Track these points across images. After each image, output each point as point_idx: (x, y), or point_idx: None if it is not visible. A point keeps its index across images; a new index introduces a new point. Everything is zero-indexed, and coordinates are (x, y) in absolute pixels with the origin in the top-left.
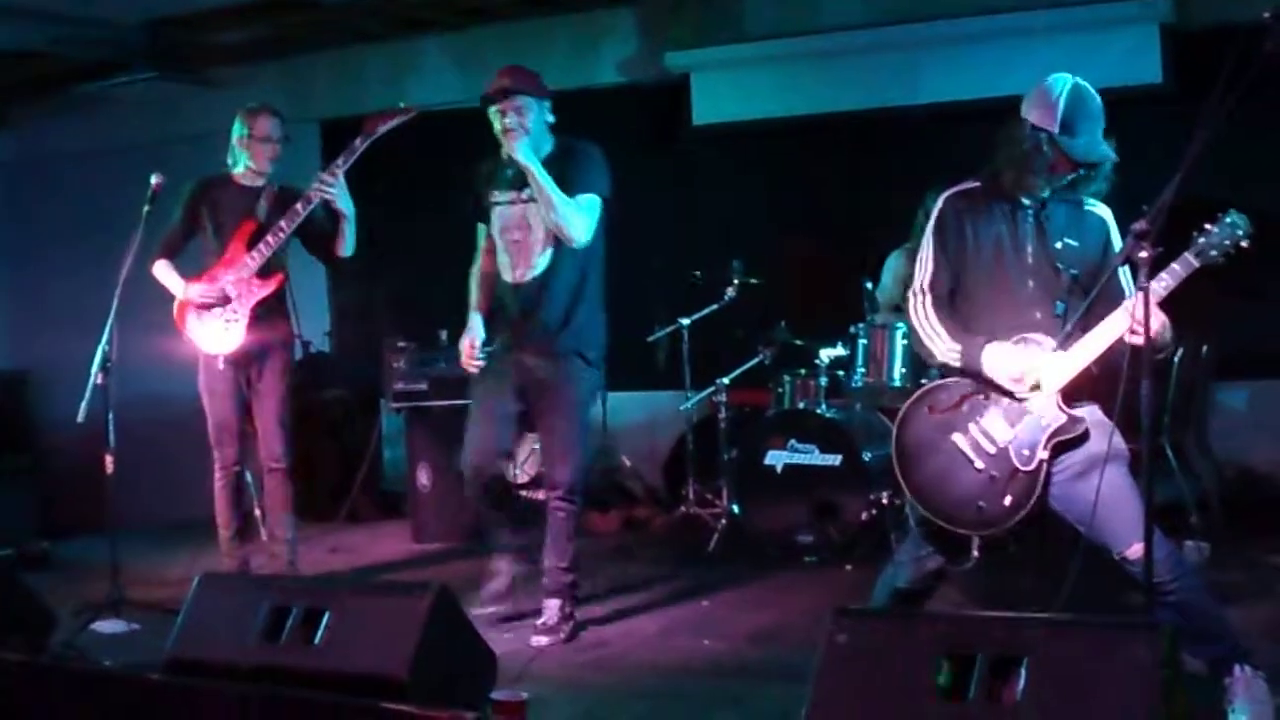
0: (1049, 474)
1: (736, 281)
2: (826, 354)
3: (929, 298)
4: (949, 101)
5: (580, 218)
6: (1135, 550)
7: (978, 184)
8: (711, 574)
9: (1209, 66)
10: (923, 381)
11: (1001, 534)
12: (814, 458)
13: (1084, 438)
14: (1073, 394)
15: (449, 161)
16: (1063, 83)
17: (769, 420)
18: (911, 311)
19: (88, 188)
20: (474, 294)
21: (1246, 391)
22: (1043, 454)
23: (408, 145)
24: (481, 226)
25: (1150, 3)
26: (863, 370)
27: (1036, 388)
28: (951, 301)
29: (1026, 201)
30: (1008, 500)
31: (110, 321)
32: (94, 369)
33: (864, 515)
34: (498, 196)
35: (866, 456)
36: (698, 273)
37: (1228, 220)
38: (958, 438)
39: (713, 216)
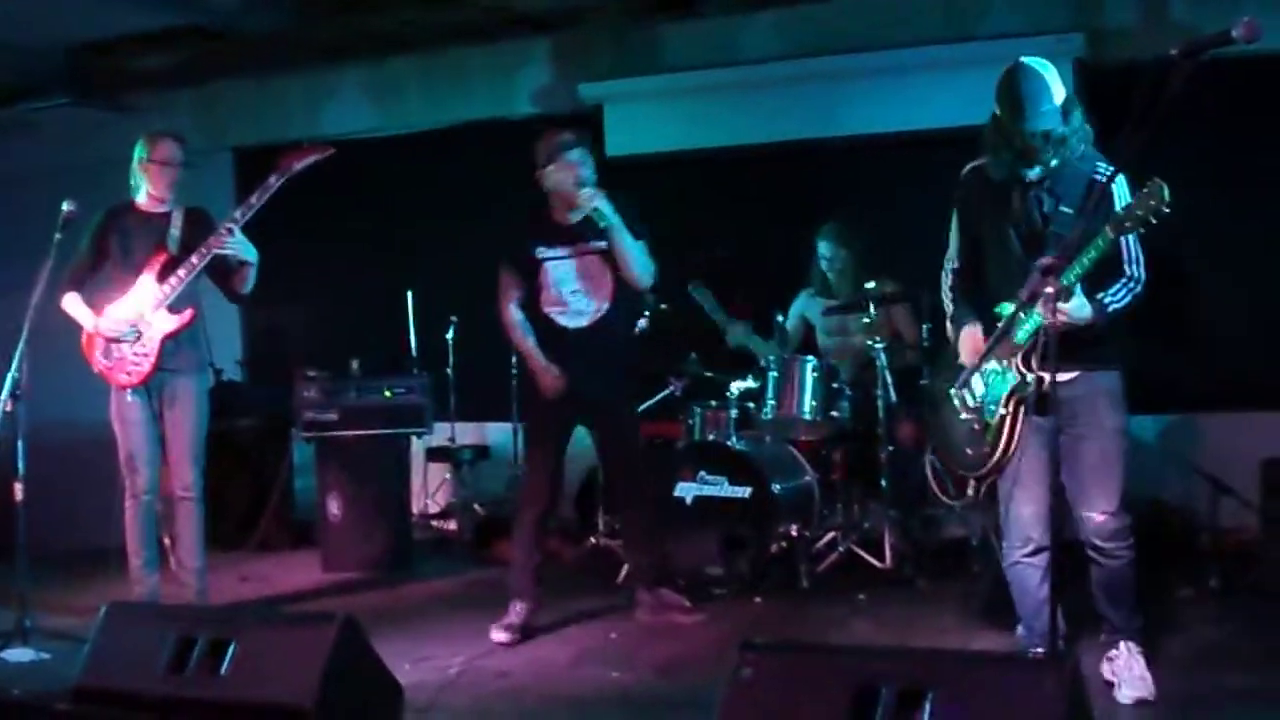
0: (1017, 426)
1: (649, 313)
2: (737, 386)
3: (949, 276)
4: (866, 134)
5: (650, 267)
6: (1096, 518)
7: (984, 161)
8: (621, 606)
9: (1121, 102)
10: (833, 414)
11: (986, 475)
12: (723, 490)
13: (1043, 398)
14: (1067, 356)
15: (364, 190)
16: (1005, 69)
17: (679, 452)
18: (942, 284)
19: (0, 213)
20: (526, 334)
21: (1156, 425)
22: (1003, 410)
23: (323, 173)
24: (511, 277)
25: (1064, 38)
26: (773, 403)
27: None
28: (977, 270)
29: (1028, 176)
30: (985, 448)
31: (20, 348)
32: (3, 396)
33: (773, 548)
34: (550, 252)
35: (776, 489)
36: None
37: (1145, 190)
38: (953, 393)
39: None
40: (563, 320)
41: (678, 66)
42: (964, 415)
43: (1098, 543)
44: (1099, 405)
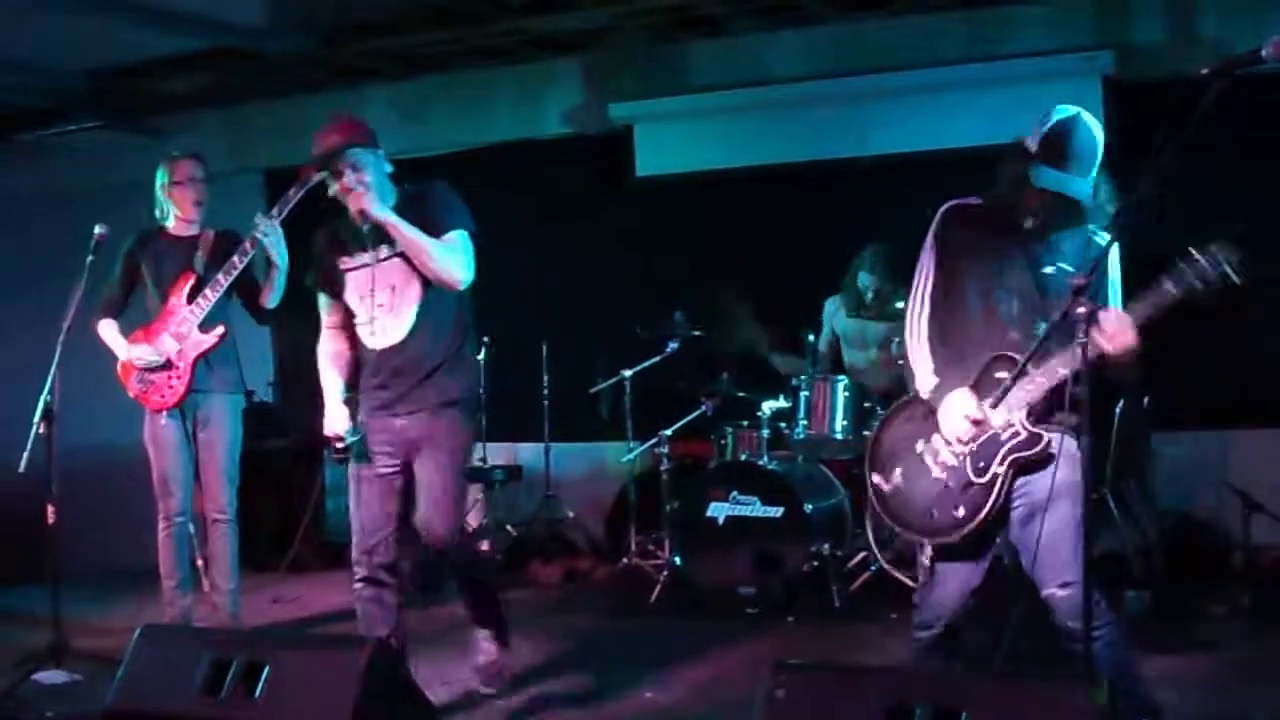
0: (1007, 490)
1: (679, 334)
2: (769, 406)
3: (927, 309)
4: (894, 153)
5: (458, 258)
6: (1054, 593)
7: (979, 201)
8: (653, 625)
9: (1150, 119)
10: (865, 433)
11: (948, 544)
12: (756, 510)
13: (1047, 460)
14: (1046, 412)
15: None
16: (1060, 113)
17: (711, 472)
18: (908, 318)
19: (31, 236)
20: (331, 380)
21: (1186, 442)
22: (998, 469)
23: None
24: (324, 299)
25: (1092, 56)
26: (805, 422)
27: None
28: (945, 307)
29: (1027, 224)
30: (959, 511)
31: (53, 370)
32: (36, 417)
33: (805, 567)
34: (351, 262)
35: (808, 508)
36: (640, 325)
37: (1213, 250)
38: (921, 445)
39: (656, 268)
40: (371, 340)
41: (706, 86)
42: (936, 473)
43: (1069, 625)
44: (1059, 466)
